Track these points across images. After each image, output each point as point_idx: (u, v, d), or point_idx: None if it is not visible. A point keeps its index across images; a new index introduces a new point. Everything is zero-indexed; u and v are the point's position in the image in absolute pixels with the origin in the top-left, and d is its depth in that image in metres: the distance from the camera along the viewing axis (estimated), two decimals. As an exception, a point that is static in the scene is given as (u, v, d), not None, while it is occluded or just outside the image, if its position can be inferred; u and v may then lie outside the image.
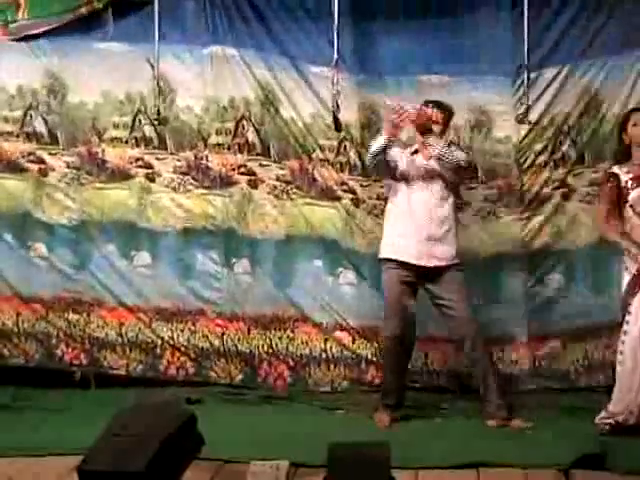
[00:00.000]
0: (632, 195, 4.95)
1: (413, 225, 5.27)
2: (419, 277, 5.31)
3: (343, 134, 6.00)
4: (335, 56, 5.63)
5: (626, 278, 4.94)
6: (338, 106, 5.40)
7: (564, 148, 5.97)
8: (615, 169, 5.04)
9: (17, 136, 6.31)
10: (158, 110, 6.08)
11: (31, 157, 6.29)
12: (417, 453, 4.48)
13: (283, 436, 4.85)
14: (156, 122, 6.12)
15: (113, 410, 3.93)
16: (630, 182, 4.95)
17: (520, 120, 5.84)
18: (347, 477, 3.56)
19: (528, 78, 5.77)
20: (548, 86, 5.92)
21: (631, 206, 4.95)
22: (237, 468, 4.29)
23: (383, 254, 5.40)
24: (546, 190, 5.98)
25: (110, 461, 3.52)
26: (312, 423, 5.29)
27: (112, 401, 5.33)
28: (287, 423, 5.28)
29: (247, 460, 4.28)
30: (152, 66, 6.04)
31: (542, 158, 5.97)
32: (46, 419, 5.32)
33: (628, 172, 4.98)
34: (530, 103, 5.78)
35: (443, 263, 5.29)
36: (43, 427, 5.14)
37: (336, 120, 5.34)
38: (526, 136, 5.96)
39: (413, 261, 5.26)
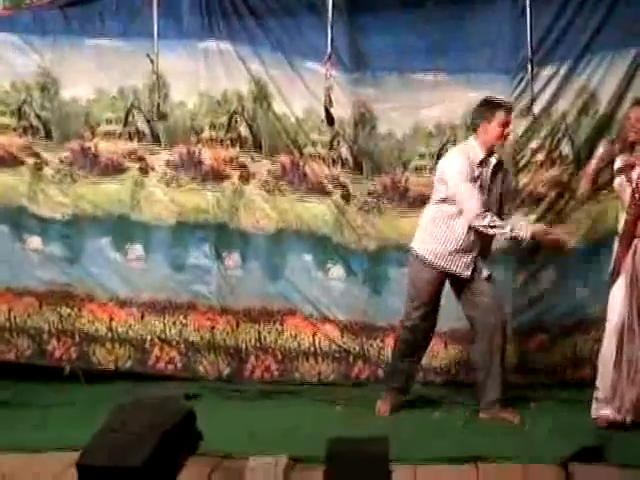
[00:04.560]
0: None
1: None
2: None
3: (336, 130, 5.98)
4: (328, 50, 5.60)
5: None
6: (330, 100, 5.36)
7: (561, 146, 5.96)
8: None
9: (14, 129, 6.27)
10: (158, 106, 6.04)
11: (28, 151, 6.26)
12: (416, 448, 4.50)
13: (282, 431, 4.87)
14: (156, 118, 6.08)
15: (109, 405, 3.90)
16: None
17: (525, 113, 5.82)
18: (346, 472, 3.54)
19: (532, 71, 5.76)
20: (546, 84, 5.91)
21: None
22: (235, 463, 4.30)
23: None
24: (541, 188, 5.97)
25: (108, 456, 3.50)
26: (311, 418, 5.29)
27: (107, 396, 5.35)
28: (286, 418, 5.27)
29: (246, 455, 4.29)
30: (152, 61, 5.98)
31: (539, 156, 5.96)
32: (45, 416, 5.30)
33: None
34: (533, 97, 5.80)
35: None
36: (42, 424, 5.12)
37: (328, 114, 5.30)
38: (523, 134, 5.93)
39: None
